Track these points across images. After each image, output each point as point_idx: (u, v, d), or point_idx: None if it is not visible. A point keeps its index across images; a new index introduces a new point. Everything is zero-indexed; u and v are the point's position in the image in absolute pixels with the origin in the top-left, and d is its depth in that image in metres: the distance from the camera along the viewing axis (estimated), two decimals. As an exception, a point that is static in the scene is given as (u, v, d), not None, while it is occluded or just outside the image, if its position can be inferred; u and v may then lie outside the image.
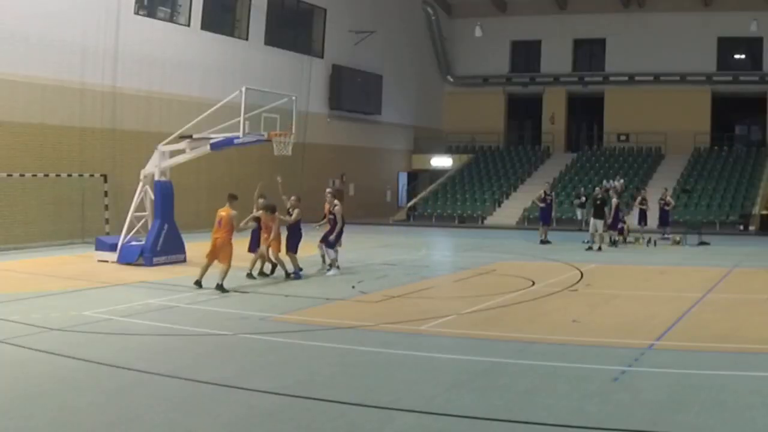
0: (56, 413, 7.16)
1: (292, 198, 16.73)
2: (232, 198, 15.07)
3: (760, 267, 18.42)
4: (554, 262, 19.68)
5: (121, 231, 18.75)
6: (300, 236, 16.44)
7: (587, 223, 24.60)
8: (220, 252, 14.42)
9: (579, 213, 28.97)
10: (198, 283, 14.40)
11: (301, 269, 16.14)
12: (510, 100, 44.04)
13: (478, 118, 42.34)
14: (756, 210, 31.59)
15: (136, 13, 25.74)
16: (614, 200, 23.96)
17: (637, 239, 25.06)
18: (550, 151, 41.66)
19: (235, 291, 14.37)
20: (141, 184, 18.93)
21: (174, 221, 18.68)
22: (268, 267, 16.52)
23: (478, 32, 41.40)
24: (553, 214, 26.98)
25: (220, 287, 14.01)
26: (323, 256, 17.12)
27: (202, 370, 8.65)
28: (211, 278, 14.38)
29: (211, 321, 11.64)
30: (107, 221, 23.55)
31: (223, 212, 14.57)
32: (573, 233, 27.31)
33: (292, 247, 16.25)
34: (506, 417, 7.07)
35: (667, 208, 26.97)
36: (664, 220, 26.83)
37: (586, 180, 36.10)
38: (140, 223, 18.81)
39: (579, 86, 41.84)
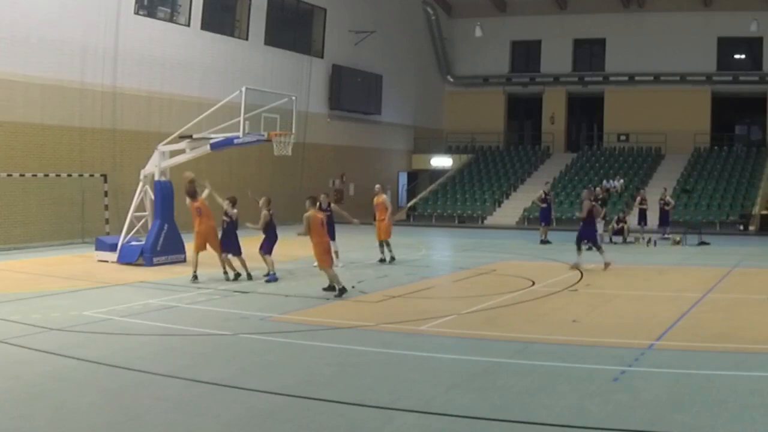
0: (56, 413, 7.16)
1: (263, 199, 16.22)
2: (315, 200, 14.60)
3: (760, 267, 18.42)
4: (554, 262, 19.68)
5: (121, 231, 18.76)
6: (275, 238, 16.05)
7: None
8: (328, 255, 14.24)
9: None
10: (343, 290, 13.83)
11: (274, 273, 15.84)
12: (510, 100, 44.07)
13: (478, 118, 42.39)
14: (756, 210, 31.59)
15: (136, 13, 25.76)
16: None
17: (637, 239, 25.07)
18: (550, 151, 41.67)
19: (235, 291, 14.38)
20: (141, 184, 18.94)
21: (174, 221, 18.68)
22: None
23: (478, 32, 41.42)
24: (552, 214, 26.99)
25: (343, 290, 13.80)
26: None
27: (202, 370, 8.65)
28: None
29: (211, 321, 11.64)
30: (107, 221, 23.57)
31: (321, 215, 14.22)
32: (573, 233, 27.27)
33: (267, 249, 15.89)
34: (506, 417, 7.07)
35: (667, 208, 26.98)
36: (664, 220, 26.83)
37: (586, 180, 36.09)
38: (140, 223, 18.82)
39: (579, 86, 41.87)
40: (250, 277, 15.77)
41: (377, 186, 20.04)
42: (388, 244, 19.08)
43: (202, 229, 16.02)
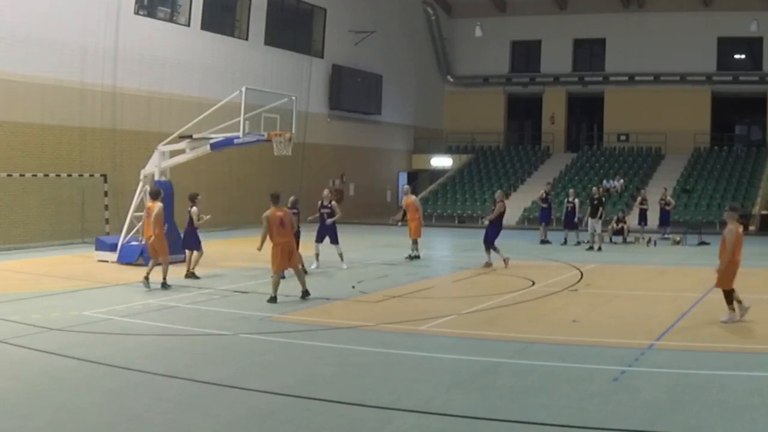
0: (56, 413, 7.16)
1: (291, 199, 16.63)
2: (276, 197, 13.47)
3: (760, 267, 18.41)
4: (554, 262, 19.68)
5: (121, 231, 18.76)
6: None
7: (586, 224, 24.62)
8: (295, 257, 13.39)
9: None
10: (273, 299, 13.07)
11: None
12: (510, 100, 44.07)
13: (478, 118, 42.38)
14: (756, 210, 31.58)
15: (136, 13, 25.76)
16: (576, 200, 24.51)
17: (637, 239, 25.08)
18: (550, 151, 41.67)
19: (235, 291, 14.38)
20: (141, 184, 18.93)
21: (174, 221, 18.66)
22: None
23: (478, 32, 41.42)
24: (552, 214, 26.99)
25: (305, 293, 13.27)
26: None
27: (202, 370, 8.65)
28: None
29: (211, 321, 11.64)
30: (107, 221, 23.58)
31: (280, 213, 13.06)
32: (572, 233, 27.30)
33: None
34: (506, 417, 7.07)
35: (667, 208, 26.97)
36: (664, 220, 26.82)
37: (586, 180, 36.10)
38: (140, 223, 18.79)
39: (579, 86, 41.87)
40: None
41: (406, 186, 21.41)
42: (415, 242, 19.85)
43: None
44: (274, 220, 12.95)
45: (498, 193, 19.81)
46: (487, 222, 18.85)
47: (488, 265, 18.19)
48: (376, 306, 13.01)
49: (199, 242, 16.32)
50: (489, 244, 18.38)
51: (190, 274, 16.00)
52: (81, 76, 23.92)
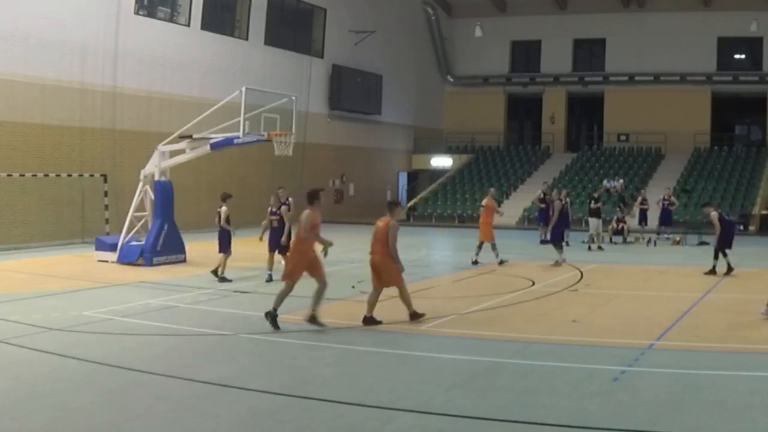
0: (56, 413, 7.15)
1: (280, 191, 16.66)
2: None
3: (760, 267, 18.42)
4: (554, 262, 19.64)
5: (121, 231, 18.76)
6: (274, 235, 16.09)
7: (586, 223, 24.64)
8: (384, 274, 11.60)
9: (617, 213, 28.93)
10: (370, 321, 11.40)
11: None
12: (510, 100, 44.08)
13: (478, 118, 42.39)
14: (756, 210, 31.57)
15: (136, 13, 25.77)
16: (567, 200, 24.64)
17: (637, 239, 25.08)
18: (550, 151, 41.68)
19: (235, 291, 14.38)
20: (141, 184, 18.94)
21: (174, 221, 18.68)
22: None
23: (478, 32, 41.43)
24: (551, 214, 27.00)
25: (416, 315, 11.46)
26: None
27: (202, 370, 8.65)
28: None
29: (211, 321, 11.64)
30: (107, 221, 23.57)
31: (381, 223, 11.59)
32: (573, 233, 27.30)
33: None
34: (506, 417, 7.07)
35: (671, 208, 26.94)
36: (666, 220, 26.77)
37: (586, 180, 36.11)
38: (140, 223, 18.82)
39: (579, 86, 41.87)
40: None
41: (491, 189, 21.78)
42: (481, 246, 19.44)
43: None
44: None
45: (554, 193, 20.23)
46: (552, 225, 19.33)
47: (558, 263, 18.36)
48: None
49: (229, 243, 15.94)
50: (555, 242, 18.72)
51: (221, 278, 15.49)
52: (81, 76, 23.92)
